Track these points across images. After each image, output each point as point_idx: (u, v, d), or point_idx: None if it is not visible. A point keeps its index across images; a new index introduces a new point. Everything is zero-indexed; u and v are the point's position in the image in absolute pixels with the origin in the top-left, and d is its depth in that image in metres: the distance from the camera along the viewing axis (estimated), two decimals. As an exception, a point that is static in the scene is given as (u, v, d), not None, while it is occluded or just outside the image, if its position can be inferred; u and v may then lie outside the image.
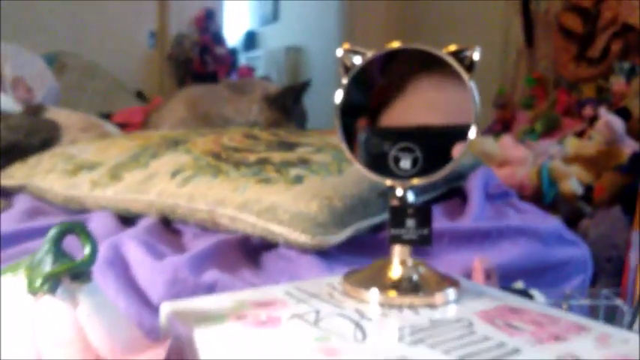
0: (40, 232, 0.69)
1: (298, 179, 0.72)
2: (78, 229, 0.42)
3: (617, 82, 2.35)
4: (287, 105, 1.31)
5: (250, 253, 0.69)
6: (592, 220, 1.35)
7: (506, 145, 1.69)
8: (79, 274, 0.42)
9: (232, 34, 4.03)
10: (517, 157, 1.66)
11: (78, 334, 0.41)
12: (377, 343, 0.45)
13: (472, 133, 0.54)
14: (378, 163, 0.56)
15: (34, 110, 1.17)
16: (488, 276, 0.72)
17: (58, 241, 0.42)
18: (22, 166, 0.96)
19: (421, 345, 0.44)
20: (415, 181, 0.54)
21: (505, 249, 0.80)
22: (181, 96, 1.36)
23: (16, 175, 0.94)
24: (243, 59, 4.08)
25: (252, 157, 0.79)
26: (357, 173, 0.77)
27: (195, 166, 0.79)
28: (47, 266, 0.41)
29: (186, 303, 0.52)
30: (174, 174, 0.78)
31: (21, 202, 0.87)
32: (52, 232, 0.42)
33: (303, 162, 0.77)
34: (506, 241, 0.81)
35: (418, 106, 0.57)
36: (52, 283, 0.41)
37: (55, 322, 0.40)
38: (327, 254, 0.67)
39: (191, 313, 0.49)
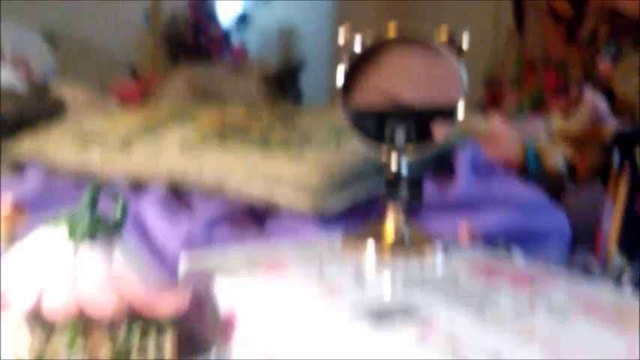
0: (57, 200, 0.74)
1: (299, 152, 0.78)
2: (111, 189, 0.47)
3: (604, 64, 2.41)
4: (283, 84, 1.36)
5: (255, 219, 0.74)
6: (573, 195, 1.42)
7: (494, 122, 1.74)
8: (113, 227, 0.48)
9: (225, 15, 4.04)
10: (504, 135, 1.72)
11: (113, 280, 0.46)
12: (375, 288, 0.51)
13: (460, 113, 0.61)
14: (375, 136, 0.62)
15: (39, 87, 1.21)
16: (473, 240, 0.78)
17: (94, 199, 0.47)
18: (32, 139, 1.01)
19: (414, 289, 0.50)
20: (409, 151, 0.60)
21: (489, 217, 0.87)
22: (181, 75, 1.41)
23: (25, 146, 0.99)
24: (236, 40, 4.09)
25: (255, 132, 0.85)
26: (354, 147, 0.83)
27: (202, 139, 0.84)
28: (86, 220, 0.47)
29: (203, 256, 0.58)
30: (182, 146, 0.83)
31: (33, 172, 0.91)
32: (89, 190, 0.47)
33: (304, 137, 0.82)
34: (491, 209, 0.87)
35: (412, 82, 0.63)
36: (92, 233, 0.46)
37: (93, 269, 0.46)
38: (326, 221, 0.73)
39: (208, 265, 0.55)
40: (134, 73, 3.11)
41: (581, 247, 1.14)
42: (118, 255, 0.48)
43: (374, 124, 0.62)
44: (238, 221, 0.73)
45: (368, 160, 0.80)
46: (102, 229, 0.47)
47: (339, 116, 0.94)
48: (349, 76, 0.61)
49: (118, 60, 3.03)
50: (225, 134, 0.85)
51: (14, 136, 1.03)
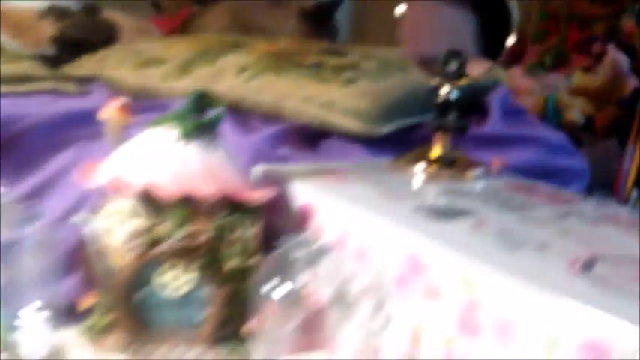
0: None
1: (351, 80, 0.85)
2: (208, 94, 0.55)
3: (628, 23, 2.42)
4: (321, 19, 1.40)
5: (309, 139, 0.82)
6: (590, 148, 1.49)
7: (515, 75, 1.79)
8: (211, 128, 0.55)
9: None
10: (525, 87, 1.78)
11: (212, 172, 0.54)
12: (429, 196, 0.59)
13: (510, 41, 0.68)
14: (429, 66, 0.69)
15: (91, 9, 1.26)
16: (503, 173, 0.86)
17: (197, 102, 0.55)
18: (91, 59, 1.07)
19: (463, 199, 0.58)
20: (461, 81, 0.68)
21: (517, 153, 0.94)
22: (223, 5, 1.45)
23: (85, 65, 1.05)
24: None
25: (307, 60, 0.91)
26: (401, 78, 0.90)
27: (258, 65, 0.90)
28: (190, 120, 0.54)
29: (273, 167, 0.66)
30: (240, 71, 0.90)
31: (98, 89, 0.98)
32: (193, 96, 0.55)
33: (353, 66, 0.89)
34: (519, 146, 0.95)
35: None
36: (194, 133, 0.54)
37: (196, 162, 0.54)
38: (374, 145, 0.81)
39: (280, 173, 0.63)
40: (158, 7, 3.12)
41: (598, 191, 1.22)
42: (215, 152, 0.56)
43: (430, 57, 0.69)
44: (295, 141, 0.80)
45: (414, 91, 0.87)
46: (202, 129, 0.55)
47: (383, 52, 1.01)
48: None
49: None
50: (280, 61, 0.91)
51: (73, 55, 1.09)
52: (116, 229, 0.55)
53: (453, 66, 0.68)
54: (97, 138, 0.67)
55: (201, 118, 0.55)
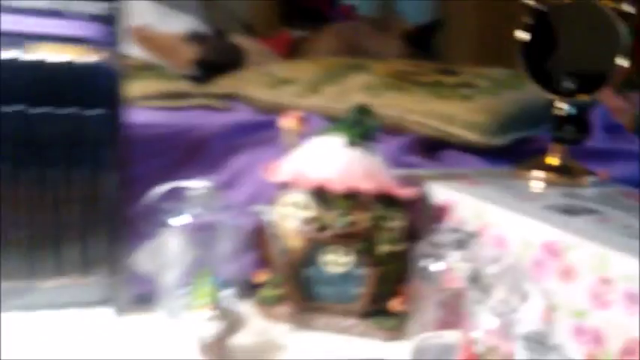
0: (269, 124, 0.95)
1: (468, 96, 0.95)
2: (366, 107, 0.67)
3: None
4: (423, 41, 1.51)
5: (430, 149, 0.93)
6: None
7: (606, 95, 1.83)
8: (369, 135, 0.67)
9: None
10: (615, 106, 1.81)
11: (372, 171, 0.66)
12: (554, 198, 0.69)
13: (623, 64, 0.76)
14: (546, 84, 0.79)
15: (221, 34, 1.43)
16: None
17: (358, 114, 0.67)
18: (229, 79, 1.23)
19: (581, 200, 0.67)
20: (578, 97, 0.77)
21: (619, 166, 1.01)
22: (331, 30, 1.59)
23: (225, 84, 1.21)
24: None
25: (425, 79, 1.03)
26: (514, 95, 0.99)
27: (381, 84, 1.03)
28: (354, 128, 0.66)
29: (411, 170, 0.77)
30: (365, 89, 1.03)
31: (239, 105, 1.13)
32: (356, 109, 0.67)
33: (468, 85, 0.99)
34: (620, 159, 1.02)
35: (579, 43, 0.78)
36: (359, 139, 0.66)
37: (359, 162, 0.66)
38: (487, 154, 0.91)
39: (417, 176, 0.74)
40: (251, 30, 3.33)
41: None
42: (373, 155, 0.67)
43: (548, 75, 0.78)
44: (418, 151, 0.91)
45: (524, 107, 0.96)
46: (363, 136, 0.67)
47: (488, 71, 1.10)
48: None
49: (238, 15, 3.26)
50: (400, 80, 1.03)
51: (212, 75, 1.25)
52: (291, 217, 0.68)
53: (571, 83, 0.77)
54: (262, 144, 0.81)
55: (361, 127, 0.67)
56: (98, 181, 0.65)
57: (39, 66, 0.61)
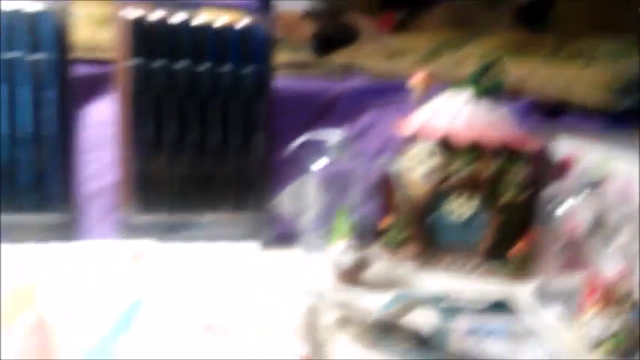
0: (384, 89, 1.01)
1: (586, 64, 0.96)
2: (494, 62, 0.72)
3: None
4: (536, 16, 1.50)
5: (550, 113, 0.95)
6: None
7: None
8: (497, 90, 0.72)
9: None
10: None
11: (497, 123, 0.70)
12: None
13: None
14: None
15: (337, 11, 1.51)
16: None
17: (485, 70, 0.72)
18: (346, 51, 1.30)
19: None
20: None
21: None
22: (442, 7, 1.62)
23: (342, 56, 1.29)
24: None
25: (541, 49, 1.04)
26: (633, 62, 0.99)
27: (497, 53, 1.05)
28: (481, 83, 0.71)
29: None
30: (481, 58, 1.06)
31: (357, 75, 1.20)
32: (482, 65, 0.72)
33: (585, 54, 1.00)
34: None
35: None
36: (486, 93, 0.71)
37: (486, 115, 0.71)
38: (606, 117, 0.92)
39: (541, 133, 0.77)
40: (359, 10, 3.39)
41: None
42: (499, 109, 0.72)
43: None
44: (537, 113, 0.94)
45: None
46: (489, 91, 0.72)
47: (607, 41, 1.10)
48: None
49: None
50: (516, 49, 1.05)
51: (329, 49, 1.33)
52: (417, 166, 0.74)
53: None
54: (388, 104, 0.87)
55: (488, 81, 0.72)
56: (250, 130, 0.74)
57: (204, 28, 0.71)
